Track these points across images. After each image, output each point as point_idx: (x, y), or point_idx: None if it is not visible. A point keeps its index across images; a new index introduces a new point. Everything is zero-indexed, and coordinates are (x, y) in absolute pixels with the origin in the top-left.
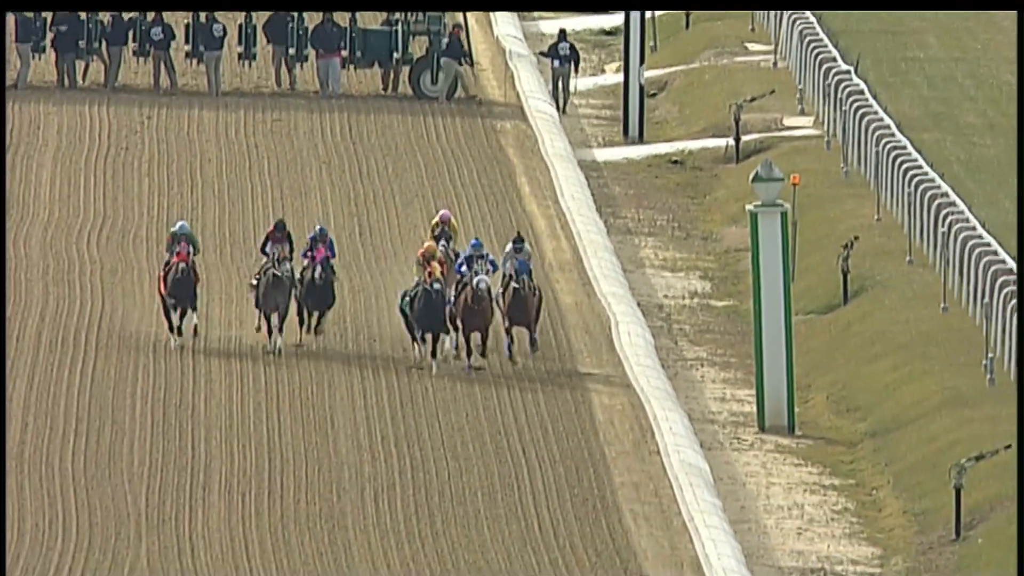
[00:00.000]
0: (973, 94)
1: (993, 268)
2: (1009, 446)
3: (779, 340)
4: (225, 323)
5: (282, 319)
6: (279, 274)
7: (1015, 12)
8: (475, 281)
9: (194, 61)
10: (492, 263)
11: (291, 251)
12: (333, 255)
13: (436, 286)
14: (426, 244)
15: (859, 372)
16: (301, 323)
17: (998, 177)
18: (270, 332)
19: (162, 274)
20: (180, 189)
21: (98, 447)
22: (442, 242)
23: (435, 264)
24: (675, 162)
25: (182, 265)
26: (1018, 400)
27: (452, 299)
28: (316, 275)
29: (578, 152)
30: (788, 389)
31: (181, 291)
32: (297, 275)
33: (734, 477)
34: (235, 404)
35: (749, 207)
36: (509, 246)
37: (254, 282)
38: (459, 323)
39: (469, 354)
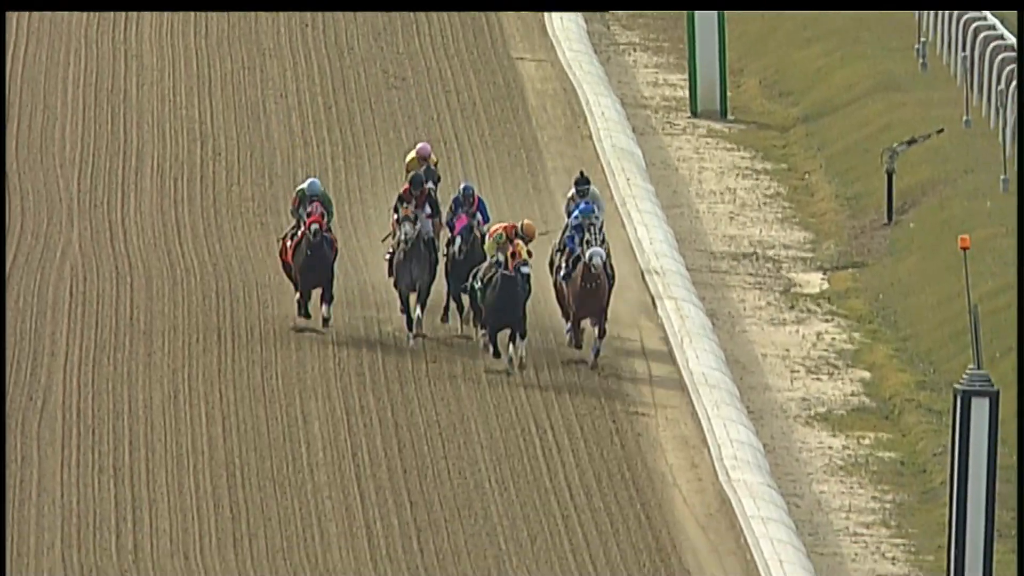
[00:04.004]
0: None
1: None
2: (941, 130)
3: (711, 24)
4: (157, 25)
5: (421, 297)
6: (412, 234)
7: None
8: (588, 255)
9: None
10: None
11: (434, 214)
12: (486, 219)
13: (525, 270)
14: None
15: (792, 56)
16: (458, 314)
17: None
18: (409, 321)
19: (290, 245)
20: None
21: (30, 132)
22: (428, 184)
23: (519, 243)
24: None
25: (314, 233)
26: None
27: (562, 276)
28: (456, 246)
29: None
30: (721, 74)
31: (313, 272)
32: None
33: (666, 162)
34: (167, 88)
35: None
36: (571, 190)
37: (389, 251)
38: (570, 307)
39: (579, 345)
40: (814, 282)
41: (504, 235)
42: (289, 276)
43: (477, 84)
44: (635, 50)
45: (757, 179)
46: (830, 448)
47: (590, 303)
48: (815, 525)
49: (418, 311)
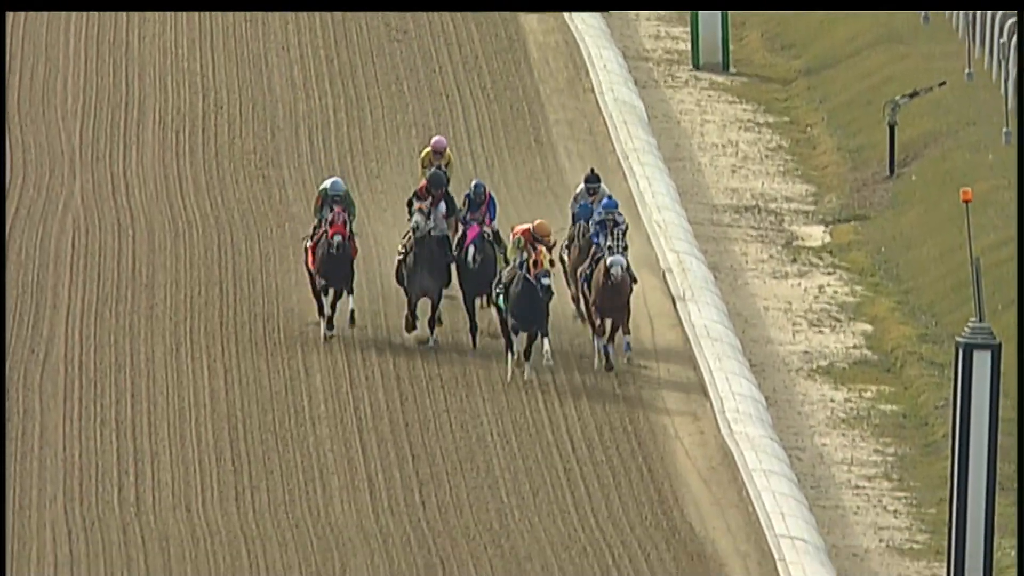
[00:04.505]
0: None
1: None
2: (943, 83)
3: None
4: None
5: (435, 303)
6: (424, 227)
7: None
8: (609, 263)
9: None
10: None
11: (450, 213)
12: (493, 218)
13: (545, 281)
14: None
15: (794, 9)
16: (473, 324)
17: None
18: (414, 323)
19: (311, 246)
20: None
21: (32, 85)
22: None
23: (542, 250)
24: None
25: (337, 238)
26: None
27: (584, 277)
28: (470, 257)
29: None
30: (723, 26)
31: (335, 270)
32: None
33: (668, 115)
34: (169, 41)
35: None
36: (580, 186)
37: (400, 252)
38: (593, 307)
39: (609, 367)
40: (816, 235)
41: (523, 239)
42: (311, 278)
43: (479, 37)
44: None
45: (759, 132)
46: (832, 401)
47: (612, 301)
48: (817, 478)
49: (433, 331)
